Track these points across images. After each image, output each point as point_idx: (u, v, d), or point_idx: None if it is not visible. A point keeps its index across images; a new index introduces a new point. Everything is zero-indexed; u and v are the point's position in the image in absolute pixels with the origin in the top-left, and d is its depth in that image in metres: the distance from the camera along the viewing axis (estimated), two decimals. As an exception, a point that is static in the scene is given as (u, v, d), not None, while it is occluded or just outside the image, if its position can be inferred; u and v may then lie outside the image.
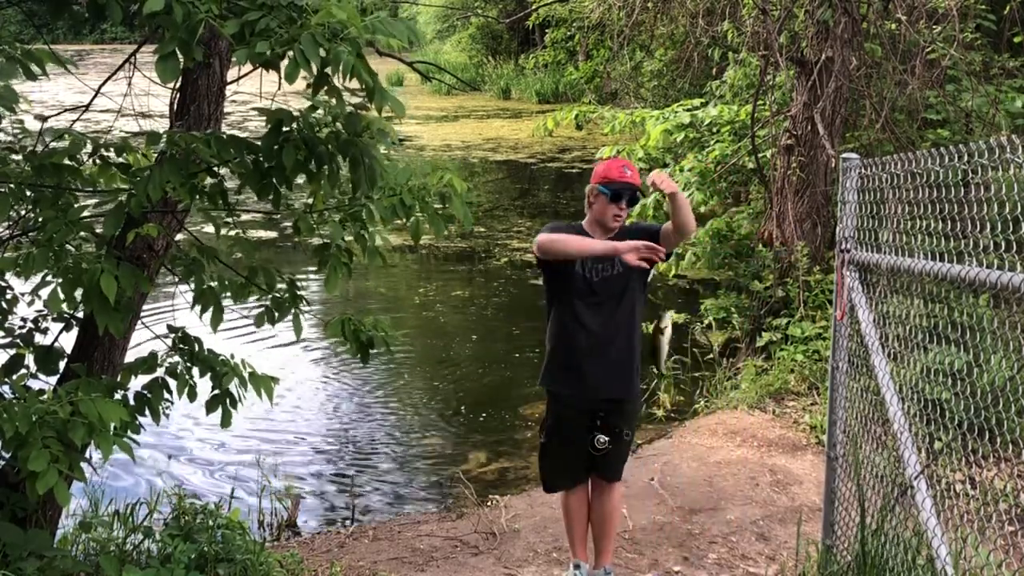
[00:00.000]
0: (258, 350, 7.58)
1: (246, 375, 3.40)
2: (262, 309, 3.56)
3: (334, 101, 2.74)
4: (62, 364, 3.59)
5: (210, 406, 3.40)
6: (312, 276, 9.24)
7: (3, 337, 3.55)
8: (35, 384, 3.35)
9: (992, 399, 3.01)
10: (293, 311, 3.54)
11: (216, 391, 3.41)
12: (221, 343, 3.71)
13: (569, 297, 3.95)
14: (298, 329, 3.54)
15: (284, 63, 2.50)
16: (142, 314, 3.79)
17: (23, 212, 3.38)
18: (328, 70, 2.53)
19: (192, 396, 3.38)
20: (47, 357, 3.55)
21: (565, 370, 4.00)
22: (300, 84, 2.66)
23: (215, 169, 3.17)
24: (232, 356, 3.50)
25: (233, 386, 3.41)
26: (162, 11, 2.41)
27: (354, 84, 2.63)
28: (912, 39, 7.81)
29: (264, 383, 3.39)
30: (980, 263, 2.93)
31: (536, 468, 4.41)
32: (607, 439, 3.94)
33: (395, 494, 5.95)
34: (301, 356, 8.25)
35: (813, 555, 4.08)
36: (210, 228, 3.58)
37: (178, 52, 2.50)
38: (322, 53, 2.42)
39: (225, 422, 3.40)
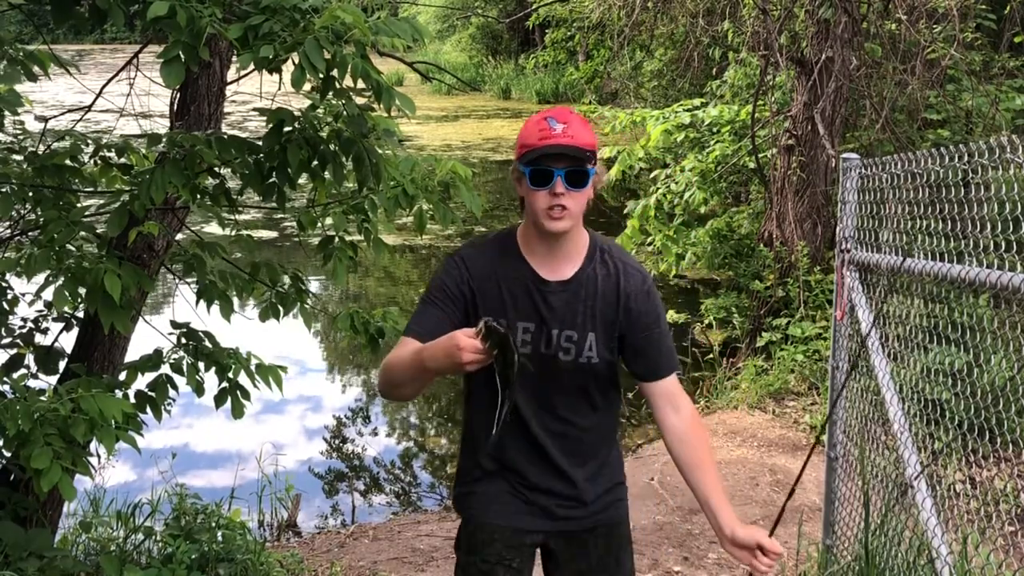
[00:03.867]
0: (256, 349, 7.58)
1: (252, 367, 3.40)
2: (265, 304, 3.56)
3: (343, 102, 2.73)
4: (62, 364, 3.59)
5: (219, 399, 3.39)
6: (312, 276, 9.24)
7: (3, 337, 3.55)
8: (35, 384, 3.35)
9: (992, 399, 3.01)
10: (299, 304, 3.55)
11: (224, 384, 3.40)
12: (222, 340, 3.71)
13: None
14: (308, 321, 3.55)
15: (288, 67, 2.49)
16: (146, 315, 3.79)
17: (24, 212, 3.38)
18: (335, 73, 2.52)
19: (200, 392, 3.38)
20: (47, 357, 3.55)
21: (496, 484, 2.42)
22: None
23: (216, 169, 3.17)
24: (237, 349, 3.51)
25: (241, 377, 3.41)
26: (166, 16, 2.40)
27: (358, 84, 2.63)
28: (912, 39, 7.80)
29: (272, 373, 3.38)
30: (980, 263, 2.94)
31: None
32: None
33: (395, 494, 5.96)
34: (300, 356, 8.26)
35: (813, 555, 4.08)
36: (210, 228, 3.59)
37: (182, 56, 2.49)
38: (327, 56, 2.41)
39: (237, 413, 3.38)
